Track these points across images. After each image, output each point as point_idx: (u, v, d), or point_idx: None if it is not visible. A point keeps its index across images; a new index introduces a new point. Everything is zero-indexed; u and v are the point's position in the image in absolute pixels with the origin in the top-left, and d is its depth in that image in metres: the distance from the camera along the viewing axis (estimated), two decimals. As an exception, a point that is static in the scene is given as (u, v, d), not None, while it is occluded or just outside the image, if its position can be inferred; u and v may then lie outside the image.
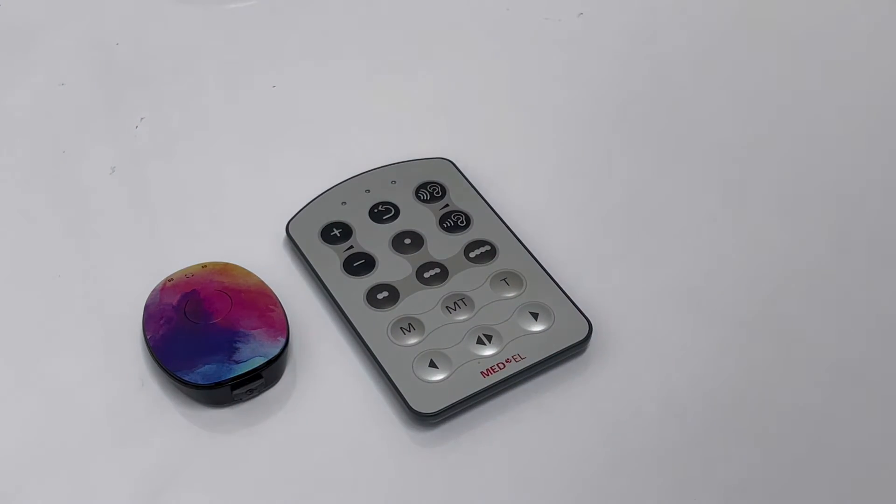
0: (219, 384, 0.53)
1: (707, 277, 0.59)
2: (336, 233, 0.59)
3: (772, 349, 0.57)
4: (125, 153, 0.65)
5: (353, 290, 0.57)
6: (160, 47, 0.70)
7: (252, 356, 0.54)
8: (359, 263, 0.58)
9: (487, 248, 0.58)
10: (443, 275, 0.57)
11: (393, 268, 0.58)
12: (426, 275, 0.57)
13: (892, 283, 0.59)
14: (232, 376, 0.53)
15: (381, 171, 0.62)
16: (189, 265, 0.58)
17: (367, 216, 0.60)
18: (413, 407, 0.53)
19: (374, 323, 0.56)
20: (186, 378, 0.53)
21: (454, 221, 0.59)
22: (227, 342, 0.54)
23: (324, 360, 0.56)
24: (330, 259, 0.58)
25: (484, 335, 0.55)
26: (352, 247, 0.59)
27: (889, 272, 0.59)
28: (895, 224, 0.61)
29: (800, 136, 0.65)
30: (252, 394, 0.55)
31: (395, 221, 0.59)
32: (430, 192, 0.61)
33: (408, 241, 0.59)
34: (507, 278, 0.57)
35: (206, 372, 0.53)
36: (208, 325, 0.55)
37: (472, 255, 0.58)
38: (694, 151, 0.64)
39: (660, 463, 0.53)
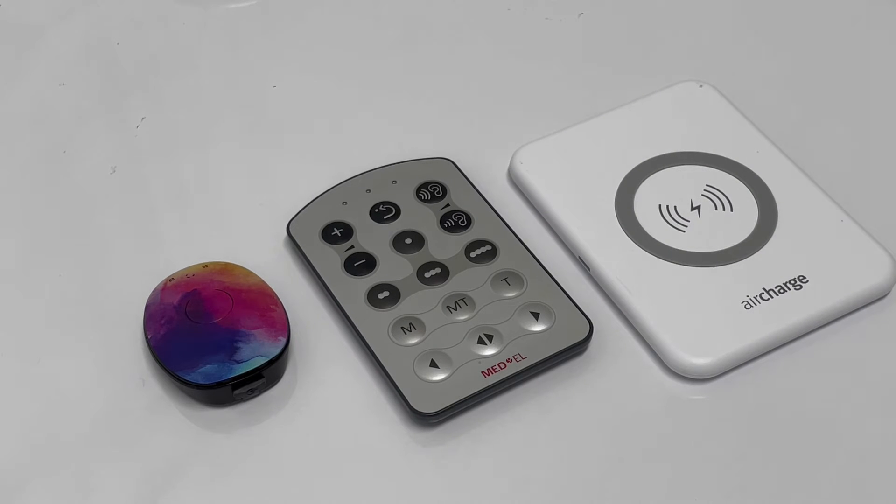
0: (220, 384, 0.53)
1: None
2: (337, 232, 0.59)
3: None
4: (125, 153, 0.65)
5: (353, 289, 0.57)
6: (160, 47, 0.70)
7: (253, 356, 0.54)
8: (359, 263, 0.58)
9: (488, 247, 0.58)
10: (443, 274, 0.57)
11: (394, 267, 0.58)
12: (427, 274, 0.57)
13: None
14: (233, 376, 0.53)
15: (382, 170, 0.62)
16: (190, 265, 0.58)
17: (368, 216, 0.60)
18: (414, 406, 0.53)
19: (375, 323, 0.56)
20: (187, 378, 0.53)
21: (455, 221, 0.59)
22: (227, 342, 0.54)
23: (324, 360, 0.56)
24: (331, 259, 0.58)
25: (485, 335, 0.55)
26: (352, 246, 0.59)
27: None
28: None
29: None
30: (253, 393, 0.55)
31: (396, 221, 0.59)
32: (431, 191, 0.61)
33: (408, 240, 0.59)
34: (508, 278, 0.57)
35: (206, 371, 0.53)
36: (209, 324, 0.55)
37: (472, 254, 0.58)
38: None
39: (660, 463, 0.53)
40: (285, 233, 0.60)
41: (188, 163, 0.64)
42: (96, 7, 0.71)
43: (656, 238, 0.59)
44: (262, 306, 0.56)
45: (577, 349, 0.55)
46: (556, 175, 0.61)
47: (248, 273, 0.57)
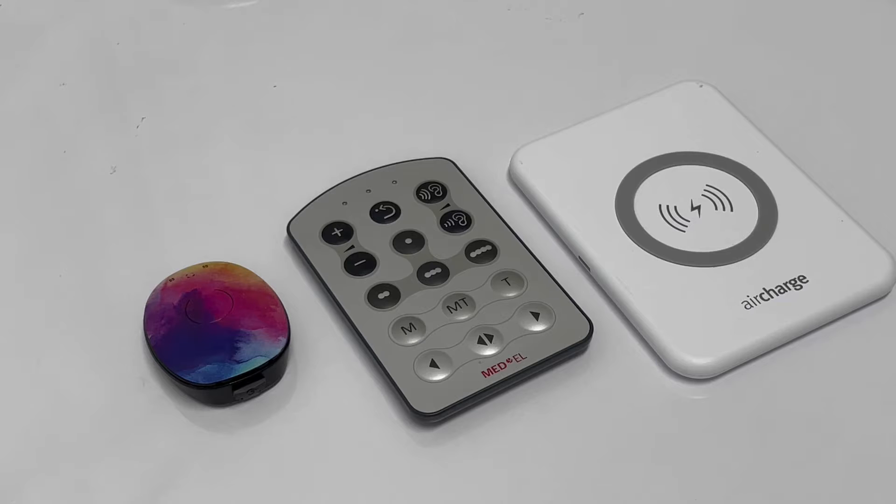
0: (220, 384, 0.53)
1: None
2: (337, 232, 0.59)
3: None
4: (125, 153, 0.65)
5: (353, 289, 0.57)
6: (160, 47, 0.70)
7: (253, 356, 0.54)
8: (360, 263, 0.58)
9: (488, 247, 0.58)
10: (444, 274, 0.57)
11: (394, 267, 0.58)
12: (427, 274, 0.57)
13: None
14: (233, 376, 0.53)
15: (382, 170, 0.62)
16: (190, 265, 0.58)
17: (368, 216, 0.60)
18: (414, 406, 0.53)
19: (375, 323, 0.56)
20: (187, 378, 0.53)
21: (455, 221, 0.59)
22: (228, 342, 0.54)
23: (325, 360, 0.56)
24: (331, 259, 0.58)
25: (485, 335, 0.55)
26: (353, 246, 0.59)
27: None
28: None
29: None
30: (253, 393, 0.55)
31: (396, 221, 0.59)
32: (431, 191, 0.61)
33: (409, 240, 0.59)
34: (508, 278, 0.57)
35: (207, 371, 0.53)
36: (209, 324, 0.55)
37: (472, 254, 0.58)
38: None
39: (660, 463, 0.53)
40: (285, 233, 0.60)
41: (188, 163, 0.64)
42: (96, 7, 0.71)
43: (656, 238, 0.59)
44: (263, 306, 0.56)
45: (577, 349, 0.55)
46: (556, 175, 0.62)
47: (249, 273, 0.57)
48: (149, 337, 0.55)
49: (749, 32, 0.70)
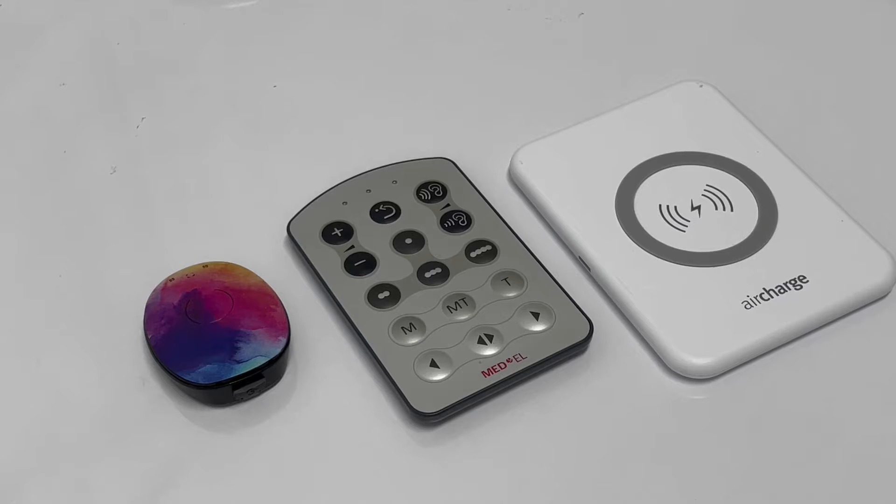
0: (220, 384, 0.53)
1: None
2: (337, 232, 0.59)
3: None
4: (125, 153, 0.65)
5: (354, 289, 0.57)
6: (160, 47, 0.70)
7: (253, 356, 0.54)
8: (360, 263, 0.58)
9: (488, 247, 0.58)
10: (444, 274, 0.57)
11: (394, 267, 0.58)
12: (427, 274, 0.57)
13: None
14: (233, 376, 0.53)
15: (382, 170, 0.62)
16: (190, 265, 0.58)
17: (368, 216, 0.60)
18: (414, 406, 0.53)
19: (375, 323, 0.56)
20: (187, 378, 0.53)
21: (455, 221, 0.59)
22: (228, 342, 0.54)
23: (325, 360, 0.56)
24: (331, 259, 0.58)
25: (485, 335, 0.55)
26: (353, 246, 0.59)
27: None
28: None
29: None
30: (253, 393, 0.55)
31: (396, 221, 0.59)
32: (431, 191, 0.61)
33: (409, 240, 0.59)
34: (508, 278, 0.57)
35: (207, 371, 0.53)
36: (209, 324, 0.55)
37: (473, 254, 0.58)
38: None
39: (660, 463, 0.53)
40: (285, 233, 0.60)
41: (188, 163, 0.64)
42: (96, 7, 0.71)
43: (656, 238, 0.59)
44: (263, 306, 0.56)
45: (577, 349, 0.55)
46: (556, 175, 0.62)
47: (249, 273, 0.57)
48: (149, 337, 0.55)
49: (749, 32, 0.70)
